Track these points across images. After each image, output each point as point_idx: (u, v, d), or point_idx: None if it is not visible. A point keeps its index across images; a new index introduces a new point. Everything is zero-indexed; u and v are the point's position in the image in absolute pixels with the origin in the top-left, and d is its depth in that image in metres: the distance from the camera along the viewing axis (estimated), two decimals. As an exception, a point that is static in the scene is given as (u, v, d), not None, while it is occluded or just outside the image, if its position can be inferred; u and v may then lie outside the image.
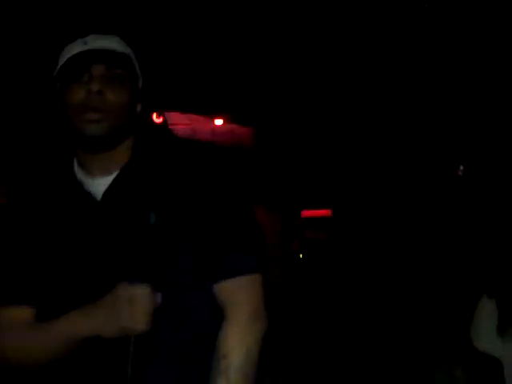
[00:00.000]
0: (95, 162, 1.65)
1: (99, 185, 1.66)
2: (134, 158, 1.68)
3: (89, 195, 1.65)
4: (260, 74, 5.72)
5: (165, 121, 6.28)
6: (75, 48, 1.64)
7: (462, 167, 5.69)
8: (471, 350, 3.28)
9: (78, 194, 1.67)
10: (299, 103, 6.05)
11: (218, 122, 7.63)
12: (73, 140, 1.66)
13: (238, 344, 1.58)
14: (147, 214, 1.61)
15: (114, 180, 1.65)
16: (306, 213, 8.82)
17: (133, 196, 1.64)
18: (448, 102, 5.54)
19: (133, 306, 1.54)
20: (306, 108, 6.13)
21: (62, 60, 1.65)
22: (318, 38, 5.12)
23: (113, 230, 1.63)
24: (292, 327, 6.13)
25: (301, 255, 8.89)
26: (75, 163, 1.70)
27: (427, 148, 5.99)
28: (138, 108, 1.71)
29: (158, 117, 6.13)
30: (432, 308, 5.02)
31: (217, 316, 1.62)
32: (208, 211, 1.64)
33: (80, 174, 1.68)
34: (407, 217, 6.13)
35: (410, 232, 6.01)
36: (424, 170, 6.06)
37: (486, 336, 3.11)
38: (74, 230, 1.64)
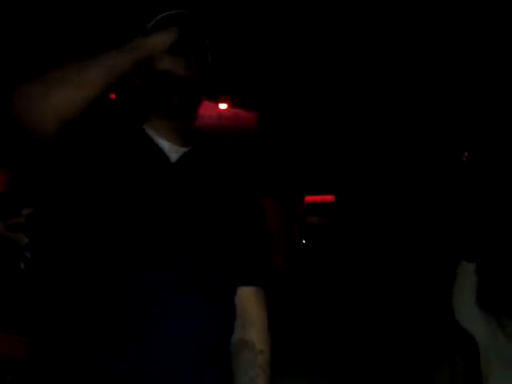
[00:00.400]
0: (170, 129, 1.80)
1: (173, 149, 1.80)
2: (201, 134, 1.87)
3: (164, 156, 1.78)
4: (264, 58, 5.69)
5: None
6: (158, 16, 1.80)
7: (466, 153, 5.67)
8: (468, 337, 3.31)
9: (154, 152, 1.79)
10: (303, 89, 6.03)
11: (223, 106, 7.62)
12: (155, 106, 1.80)
13: (268, 341, 1.83)
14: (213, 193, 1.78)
15: (191, 150, 1.82)
16: (308, 198, 8.82)
17: (203, 169, 1.81)
18: (451, 89, 5.52)
19: None
20: (310, 93, 6.11)
21: (147, 27, 1.80)
22: (323, 24, 5.09)
23: (182, 192, 1.76)
24: (294, 312, 6.14)
25: (303, 241, 8.90)
26: (146, 126, 1.82)
27: (431, 134, 5.97)
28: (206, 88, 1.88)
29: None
30: (433, 295, 5.02)
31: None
32: (241, 218, 1.83)
33: (154, 135, 1.81)
34: (410, 202, 6.12)
35: (413, 217, 6.00)
36: (428, 155, 6.04)
37: (464, 306, 3.18)
38: (146, 183, 1.74)
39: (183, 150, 1.80)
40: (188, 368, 1.66)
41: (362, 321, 5.64)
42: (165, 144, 1.79)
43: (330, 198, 7.85)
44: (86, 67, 1.61)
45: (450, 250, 3.59)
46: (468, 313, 3.20)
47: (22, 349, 3.43)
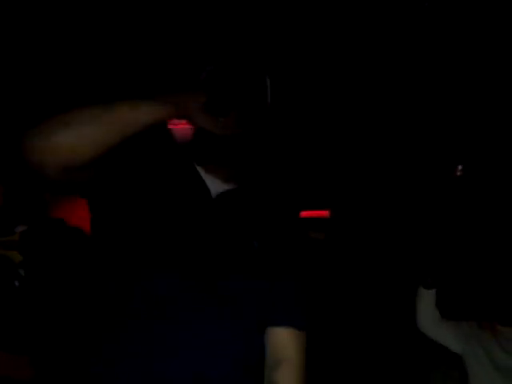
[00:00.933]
0: (215, 169, 1.81)
1: (217, 185, 1.81)
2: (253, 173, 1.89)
3: (207, 190, 1.79)
4: (255, 73, 5.65)
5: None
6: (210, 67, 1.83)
7: (460, 167, 5.69)
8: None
9: (197, 185, 1.80)
10: (298, 104, 6.05)
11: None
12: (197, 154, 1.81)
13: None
14: (251, 238, 1.77)
15: (234, 189, 1.82)
16: (304, 213, 8.83)
17: (241, 212, 1.80)
18: (445, 102, 5.54)
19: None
20: (304, 109, 6.13)
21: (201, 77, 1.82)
22: (315, 39, 5.11)
23: (218, 229, 1.74)
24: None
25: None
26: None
27: (426, 149, 5.99)
28: None
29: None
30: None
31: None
32: (288, 252, 1.82)
33: (201, 170, 1.82)
34: (406, 217, 6.14)
35: (409, 232, 6.01)
36: (422, 170, 6.06)
37: (427, 322, 3.25)
38: (183, 211, 1.73)
39: (226, 187, 1.81)
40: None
41: (359, 336, 5.63)
42: (209, 179, 1.80)
43: (325, 213, 7.87)
44: (97, 118, 1.56)
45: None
46: (435, 331, 3.28)
47: (18, 367, 3.42)
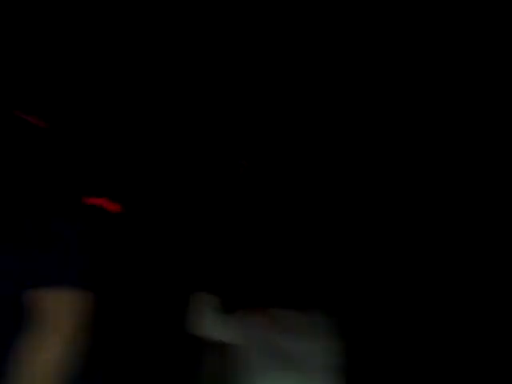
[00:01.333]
0: None
1: None
2: None
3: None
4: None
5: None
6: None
7: (244, 162, 5.55)
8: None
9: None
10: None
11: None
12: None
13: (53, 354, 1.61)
14: None
15: None
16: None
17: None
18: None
19: None
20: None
21: None
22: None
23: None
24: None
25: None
26: None
27: (206, 145, 5.82)
28: None
29: None
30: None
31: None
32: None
33: None
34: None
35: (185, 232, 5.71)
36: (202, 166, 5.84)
37: (204, 325, 3.21)
38: None
39: None
40: None
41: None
42: None
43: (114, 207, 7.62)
44: None
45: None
46: (211, 331, 3.21)
47: None
